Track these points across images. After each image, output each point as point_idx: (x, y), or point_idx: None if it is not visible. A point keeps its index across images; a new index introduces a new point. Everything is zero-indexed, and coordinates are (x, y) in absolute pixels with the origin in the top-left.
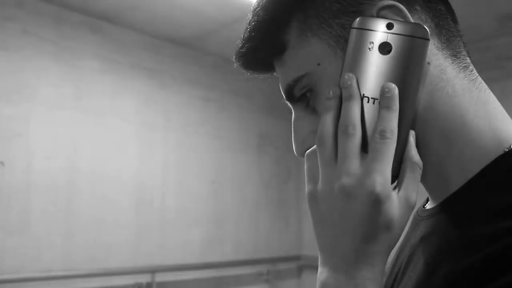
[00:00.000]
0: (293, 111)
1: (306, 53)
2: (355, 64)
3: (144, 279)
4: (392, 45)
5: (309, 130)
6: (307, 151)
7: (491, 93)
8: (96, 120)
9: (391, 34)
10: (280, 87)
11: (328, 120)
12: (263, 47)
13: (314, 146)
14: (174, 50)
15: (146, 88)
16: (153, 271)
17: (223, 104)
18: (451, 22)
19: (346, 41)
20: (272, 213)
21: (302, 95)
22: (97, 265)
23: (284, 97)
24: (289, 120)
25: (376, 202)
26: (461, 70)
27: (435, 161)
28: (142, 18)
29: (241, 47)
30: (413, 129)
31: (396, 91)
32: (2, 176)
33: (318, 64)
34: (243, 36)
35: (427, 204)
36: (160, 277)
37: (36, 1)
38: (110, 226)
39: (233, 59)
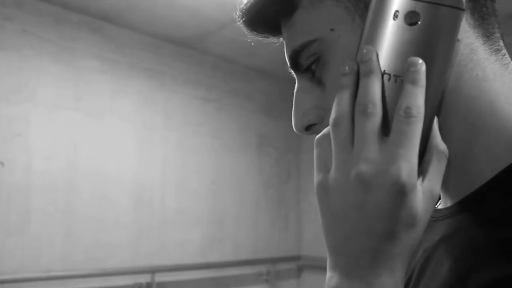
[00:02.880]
0: (296, 81)
1: (319, 16)
2: (376, 35)
3: (144, 279)
4: (421, 14)
5: (312, 104)
6: (317, 136)
7: None
8: (96, 120)
9: (420, 2)
10: (285, 53)
11: (344, 98)
12: (271, 3)
13: (325, 130)
14: (174, 50)
15: (146, 88)
16: (153, 271)
17: (223, 104)
18: None
19: (367, 7)
20: (272, 213)
21: (308, 66)
22: (97, 265)
23: (288, 64)
24: (289, 120)
25: (400, 194)
26: (493, 53)
27: (457, 152)
28: (141, 18)
29: (247, 2)
30: (437, 114)
31: (424, 67)
32: (1, 176)
33: (332, 30)
34: None
35: (438, 203)
36: (160, 277)
37: (36, 1)
38: (110, 226)
39: (236, 16)
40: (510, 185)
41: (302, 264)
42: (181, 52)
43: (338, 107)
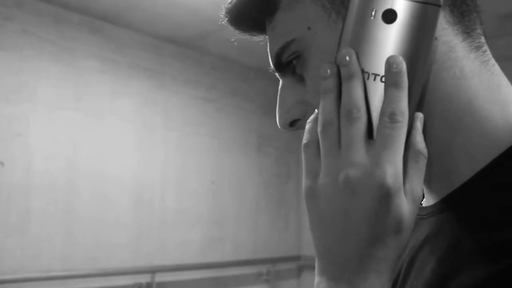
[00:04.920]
0: (280, 79)
1: (297, 16)
2: (355, 34)
3: (144, 279)
4: (398, 12)
5: (295, 100)
6: (304, 141)
7: (505, 77)
8: (96, 120)
9: (397, 0)
10: (268, 53)
11: (328, 103)
12: (251, 4)
13: (310, 136)
14: (174, 50)
15: (146, 88)
16: (153, 271)
17: (223, 104)
18: None
19: (343, 3)
20: (272, 213)
21: (289, 62)
22: (97, 265)
23: (271, 65)
24: None
25: (386, 197)
26: (473, 50)
27: (437, 150)
28: (141, 18)
29: (229, 2)
30: (420, 110)
31: (404, 65)
32: (1, 176)
33: (309, 28)
34: None
35: (422, 200)
36: (160, 277)
37: (36, 1)
38: (110, 226)
39: (222, 15)
40: (486, 187)
41: (302, 264)
42: (181, 52)
43: (324, 113)
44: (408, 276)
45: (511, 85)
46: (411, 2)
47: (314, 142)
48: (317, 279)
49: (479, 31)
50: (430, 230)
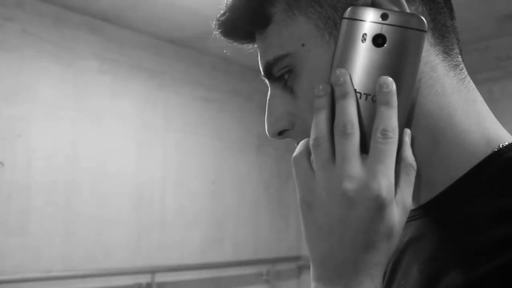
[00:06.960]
0: (269, 88)
1: (291, 32)
2: (347, 57)
3: (144, 279)
4: (387, 37)
5: (284, 110)
6: (294, 155)
7: (479, 93)
8: (96, 120)
9: (386, 25)
10: (259, 62)
11: (321, 119)
12: (245, 18)
13: (301, 149)
14: (174, 50)
15: (146, 88)
16: (153, 271)
17: (223, 104)
18: (447, 18)
19: (336, 24)
20: (272, 213)
21: (281, 75)
22: (97, 265)
23: (262, 73)
24: None
25: (381, 207)
26: (452, 69)
27: (420, 161)
28: (142, 18)
29: (222, 15)
30: (407, 126)
31: (394, 86)
32: (2, 176)
33: (303, 45)
34: (226, 2)
35: None
36: (160, 277)
37: (36, 1)
38: (110, 226)
39: (213, 25)
40: (463, 194)
41: (302, 264)
42: (181, 52)
43: (316, 128)
44: (395, 276)
45: (483, 100)
46: (399, 28)
47: (303, 155)
48: (313, 284)
49: (456, 50)
50: (413, 233)
